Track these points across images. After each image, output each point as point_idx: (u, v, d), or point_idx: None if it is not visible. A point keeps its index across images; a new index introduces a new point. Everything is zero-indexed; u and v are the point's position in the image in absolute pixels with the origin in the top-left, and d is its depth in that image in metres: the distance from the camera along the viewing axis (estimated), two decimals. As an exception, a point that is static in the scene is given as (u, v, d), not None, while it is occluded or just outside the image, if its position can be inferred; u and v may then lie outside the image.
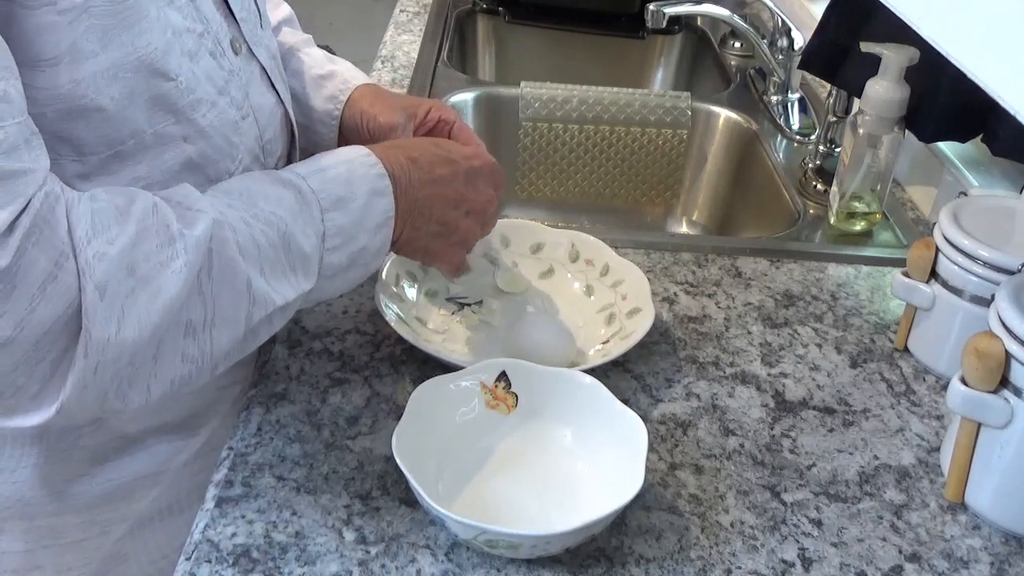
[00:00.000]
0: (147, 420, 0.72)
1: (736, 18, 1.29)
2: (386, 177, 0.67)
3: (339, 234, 0.65)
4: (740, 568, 0.64)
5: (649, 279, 0.86)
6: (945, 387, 0.75)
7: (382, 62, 1.41)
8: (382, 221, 0.67)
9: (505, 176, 0.79)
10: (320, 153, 0.69)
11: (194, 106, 0.62)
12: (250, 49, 0.70)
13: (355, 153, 0.68)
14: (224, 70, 0.66)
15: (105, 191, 0.56)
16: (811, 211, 1.10)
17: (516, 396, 0.72)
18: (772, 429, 0.77)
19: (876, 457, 0.75)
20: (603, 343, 0.82)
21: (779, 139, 1.27)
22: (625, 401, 0.70)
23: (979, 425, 0.68)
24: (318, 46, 0.91)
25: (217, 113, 0.65)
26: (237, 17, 0.68)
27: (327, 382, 0.78)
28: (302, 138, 0.85)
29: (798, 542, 0.67)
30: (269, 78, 0.72)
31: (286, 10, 0.91)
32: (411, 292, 0.86)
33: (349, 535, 0.65)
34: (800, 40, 1.27)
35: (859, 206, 1.03)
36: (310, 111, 0.84)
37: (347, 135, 0.84)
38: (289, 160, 0.78)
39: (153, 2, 0.59)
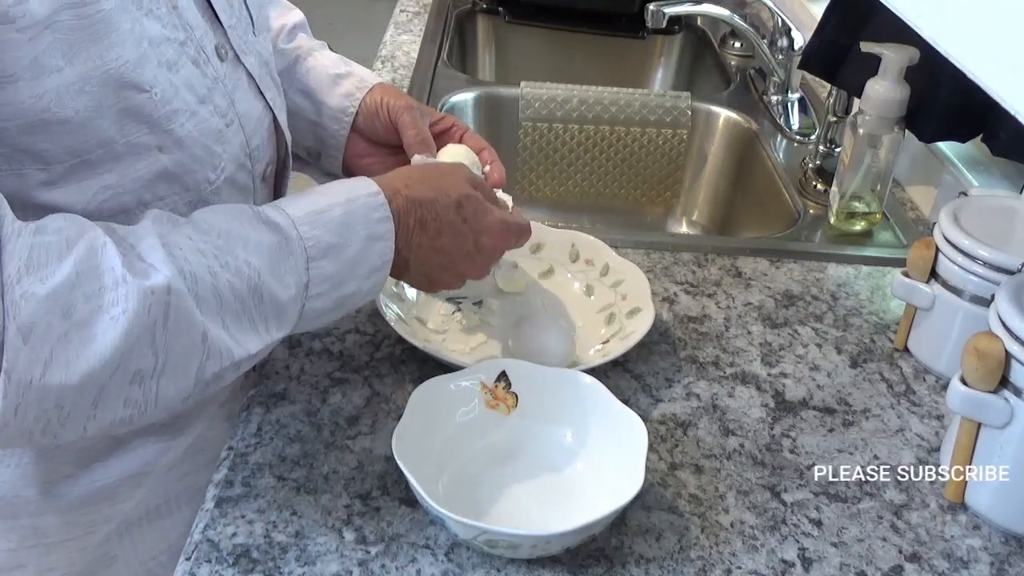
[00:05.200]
0: None
1: (736, 18, 1.29)
2: (389, 220, 0.65)
3: (326, 281, 0.63)
4: (740, 568, 0.64)
5: (649, 279, 0.86)
6: (945, 387, 0.75)
7: (382, 62, 1.41)
8: (377, 265, 0.65)
9: (517, 229, 0.75)
10: (323, 186, 0.66)
11: (170, 117, 0.61)
12: (236, 56, 0.69)
13: (359, 191, 0.65)
14: (207, 78, 0.65)
15: (64, 219, 0.54)
16: (811, 211, 1.10)
17: (516, 396, 0.72)
18: (772, 429, 0.77)
19: (876, 457, 0.75)
20: (603, 343, 0.82)
21: (779, 139, 1.27)
22: (625, 401, 0.70)
23: (979, 425, 0.68)
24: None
25: (196, 123, 0.63)
26: (224, 24, 0.67)
27: (327, 382, 0.78)
28: (310, 135, 0.85)
29: (798, 542, 0.67)
30: (257, 85, 0.71)
31: (298, 15, 0.90)
32: (411, 292, 0.86)
33: (349, 535, 0.65)
34: (800, 40, 1.27)
35: (859, 206, 1.03)
36: (322, 106, 0.84)
37: (363, 127, 0.83)
38: (279, 166, 0.77)
39: (127, 14, 0.57)
